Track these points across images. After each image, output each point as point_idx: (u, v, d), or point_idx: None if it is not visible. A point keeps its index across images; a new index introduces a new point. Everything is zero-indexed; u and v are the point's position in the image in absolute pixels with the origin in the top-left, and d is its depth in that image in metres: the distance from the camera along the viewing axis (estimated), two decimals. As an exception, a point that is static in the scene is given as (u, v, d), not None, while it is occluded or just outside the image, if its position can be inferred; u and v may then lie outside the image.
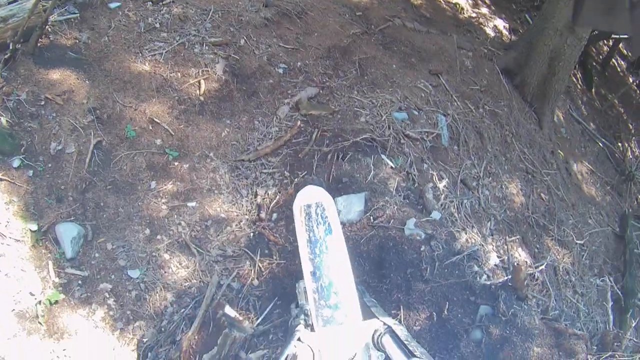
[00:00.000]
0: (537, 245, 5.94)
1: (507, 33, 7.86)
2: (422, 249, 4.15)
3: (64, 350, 3.60)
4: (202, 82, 4.96)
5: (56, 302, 3.77)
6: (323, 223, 2.54)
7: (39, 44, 4.75)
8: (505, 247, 5.22)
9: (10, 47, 4.51)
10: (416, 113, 5.47)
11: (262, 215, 4.42)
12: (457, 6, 7.77)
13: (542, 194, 6.45)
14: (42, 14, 4.55)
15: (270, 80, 5.21)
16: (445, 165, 5.34)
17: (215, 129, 4.79)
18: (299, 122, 4.90)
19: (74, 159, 4.31)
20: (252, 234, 4.37)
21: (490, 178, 5.83)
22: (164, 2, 5.43)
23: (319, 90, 5.28)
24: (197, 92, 4.92)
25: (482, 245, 4.80)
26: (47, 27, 4.78)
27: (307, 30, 5.81)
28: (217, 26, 5.39)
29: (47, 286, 3.81)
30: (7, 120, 4.32)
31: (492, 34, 7.56)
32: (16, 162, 4.19)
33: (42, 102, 4.49)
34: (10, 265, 3.75)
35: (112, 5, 5.28)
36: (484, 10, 8.06)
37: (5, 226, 3.87)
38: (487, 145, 5.96)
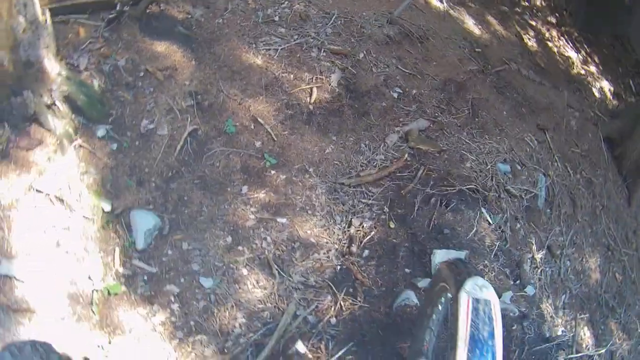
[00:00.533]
0: (602, 327, 5.64)
1: (611, 97, 7.50)
2: (513, 328, 3.91)
3: (113, 346, 3.31)
4: (315, 89, 4.65)
5: (115, 293, 3.49)
6: (488, 324, 2.28)
7: (148, 10, 4.49)
8: (574, 323, 4.90)
9: (117, 8, 4.27)
10: (519, 168, 5.15)
11: (353, 248, 4.11)
12: (570, 60, 7.40)
13: (617, 274, 6.11)
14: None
15: (384, 103, 4.88)
16: (537, 229, 5.02)
17: (320, 143, 4.48)
18: (406, 155, 4.58)
19: (164, 143, 4.04)
20: (338, 267, 4.05)
21: (574, 249, 5.50)
22: (285, -5, 5.13)
23: (429, 123, 4.95)
24: (308, 99, 4.62)
25: (553, 317, 4.50)
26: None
27: (426, 57, 5.48)
28: (337, 33, 5.08)
29: (109, 274, 3.55)
30: (99, 85, 4.07)
31: (598, 95, 7.20)
32: (101, 132, 3.94)
33: (141, 74, 4.24)
34: (74, 242, 3.48)
35: (232, -14, 4.99)
36: (593, 68, 7.68)
37: (77, 200, 3.61)
38: (577, 214, 5.62)
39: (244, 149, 4.23)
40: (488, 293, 2.33)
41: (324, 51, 4.87)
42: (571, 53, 7.52)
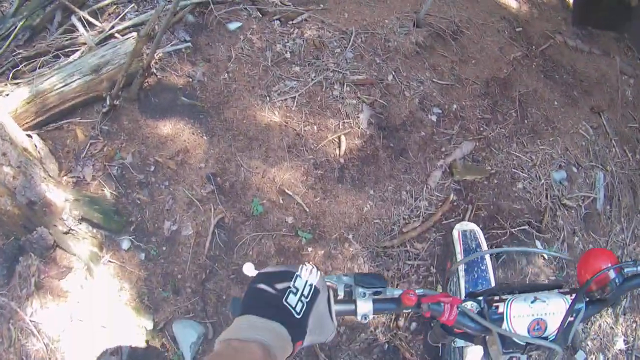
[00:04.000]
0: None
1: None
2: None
3: None
4: (343, 138, 4.14)
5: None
6: (475, 240, 3.02)
7: (144, 85, 3.97)
8: (634, 326, 4.65)
9: (108, 103, 3.77)
10: (575, 170, 4.67)
11: (400, 322, 3.85)
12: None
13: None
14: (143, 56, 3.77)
15: (422, 133, 4.33)
16: (596, 236, 4.64)
17: (357, 201, 4.05)
18: (451, 195, 4.14)
19: (191, 243, 3.70)
20: (386, 346, 3.80)
21: (636, 243, 5.11)
22: (294, 22, 4.42)
23: (475, 143, 4.41)
24: (337, 151, 4.12)
25: (612, 328, 4.26)
26: (152, 67, 3.99)
27: (463, 57, 4.79)
28: (359, 56, 4.42)
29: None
30: (111, 192, 3.68)
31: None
32: (125, 244, 3.63)
33: (152, 167, 3.82)
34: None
35: (232, 26, 4.31)
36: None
37: (119, 322, 3.44)
38: (638, 204, 5.15)
39: (275, 230, 3.85)
40: (470, 224, 3.12)
41: (347, 85, 4.26)
42: None
